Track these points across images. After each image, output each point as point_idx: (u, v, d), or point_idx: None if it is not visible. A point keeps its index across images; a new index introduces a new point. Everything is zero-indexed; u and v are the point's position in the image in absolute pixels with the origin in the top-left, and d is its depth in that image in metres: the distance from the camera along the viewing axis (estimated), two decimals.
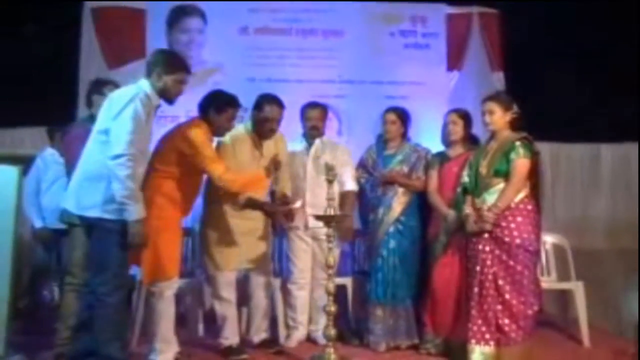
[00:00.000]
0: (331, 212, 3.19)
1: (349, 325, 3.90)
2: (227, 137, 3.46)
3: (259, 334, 3.63)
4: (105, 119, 2.79)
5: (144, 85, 2.87)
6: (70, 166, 3.15)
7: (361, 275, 3.96)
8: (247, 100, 3.67)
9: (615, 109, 4.74)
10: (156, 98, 2.90)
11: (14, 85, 4.49)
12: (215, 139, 3.43)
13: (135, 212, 2.71)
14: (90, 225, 2.78)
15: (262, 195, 3.45)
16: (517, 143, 3.23)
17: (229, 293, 3.48)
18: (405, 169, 3.74)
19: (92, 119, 3.18)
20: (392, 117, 3.80)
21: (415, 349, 3.59)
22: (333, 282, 3.23)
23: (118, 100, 2.77)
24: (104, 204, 2.71)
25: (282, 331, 3.82)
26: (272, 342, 3.64)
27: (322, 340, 3.39)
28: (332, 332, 3.17)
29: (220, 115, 3.24)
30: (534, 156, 3.25)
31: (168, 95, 2.93)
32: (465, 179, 3.39)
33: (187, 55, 4.68)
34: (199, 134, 3.13)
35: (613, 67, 4.77)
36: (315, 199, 3.70)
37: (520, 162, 3.20)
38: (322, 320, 3.46)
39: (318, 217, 3.27)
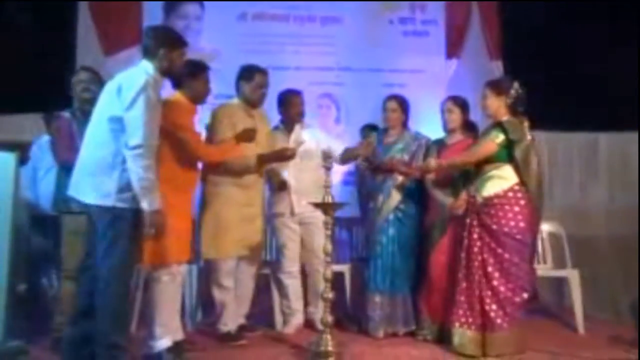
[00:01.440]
0: (328, 199, 3.19)
1: (347, 311, 3.92)
2: (221, 113, 3.51)
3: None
4: (114, 106, 2.67)
5: (148, 68, 2.77)
6: (61, 158, 3.22)
7: (359, 262, 3.97)
8: None
9: (614, 97, 4.73)
10: (160, 79, 2.83)
11: (13, 72, 4.46)
12: (209, 120, 3.48)
13: (152, 202, 2.66)
14: (99, 214, 2.69)
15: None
16: (495, 126, 3.25)
17: (229, 280, 3.49)
18: (406, 157, 3.74)
19: (80, 111, 3.24)
20: (393, 105, 3.79)
21: (412, 335, 3.61)
22: (330, 269, 3.23)
23: (128, 88, 2.65)
24: (118, 193, 2.65)
25: (278, 318, 3.84)
26: (249, 328, 3.65)
27: (320, 325, 3.41)
28: (330, 318, 3.18)
29: (197, 80, 3.25)
30: (517, 142, 3.21)
31: (173, 73, 2.89)
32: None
33: None
34: (180, 115, 3.10)
35: (612, 56, 4.76)
36: (298, 184, 3.72)
37: (486, 143, 3.25)
38: (321, 303, 3.47)
39: (316, 205, 3.24)
